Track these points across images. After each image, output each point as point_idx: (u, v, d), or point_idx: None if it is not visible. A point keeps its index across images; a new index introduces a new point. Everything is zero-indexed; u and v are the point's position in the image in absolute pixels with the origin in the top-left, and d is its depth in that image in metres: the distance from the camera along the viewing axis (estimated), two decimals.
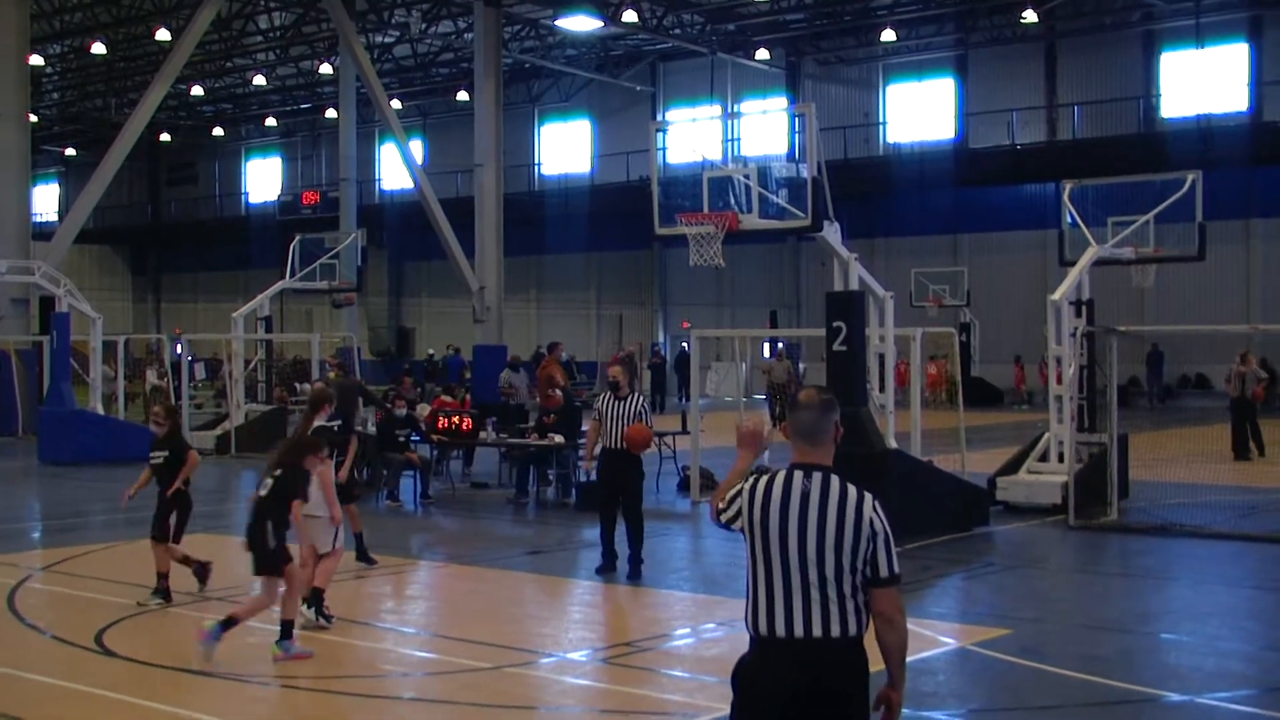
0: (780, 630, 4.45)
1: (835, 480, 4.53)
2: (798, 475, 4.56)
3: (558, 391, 18.94)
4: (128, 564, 13.50)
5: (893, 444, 15.09)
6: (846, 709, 4.45)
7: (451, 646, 9.79)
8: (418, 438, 18.70)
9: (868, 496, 4.52)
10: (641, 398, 12.69)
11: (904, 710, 7.95)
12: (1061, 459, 16.60)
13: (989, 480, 16.64)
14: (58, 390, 23.88)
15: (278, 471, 9.47)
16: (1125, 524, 15.24)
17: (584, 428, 18.97)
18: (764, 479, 4.62)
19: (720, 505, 4.74)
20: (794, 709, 4.40)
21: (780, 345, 34.73)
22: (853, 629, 4.45)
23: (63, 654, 9.58)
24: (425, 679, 9.11)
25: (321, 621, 10.03)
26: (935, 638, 9.83)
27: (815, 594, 4.43)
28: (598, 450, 12.83)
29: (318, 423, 10.41)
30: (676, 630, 10.44)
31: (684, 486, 18.46)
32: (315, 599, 10.07)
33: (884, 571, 4.48)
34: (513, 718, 8.12)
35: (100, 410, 24.84)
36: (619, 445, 12.31)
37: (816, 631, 4.41)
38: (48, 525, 17.09)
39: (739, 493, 4.65)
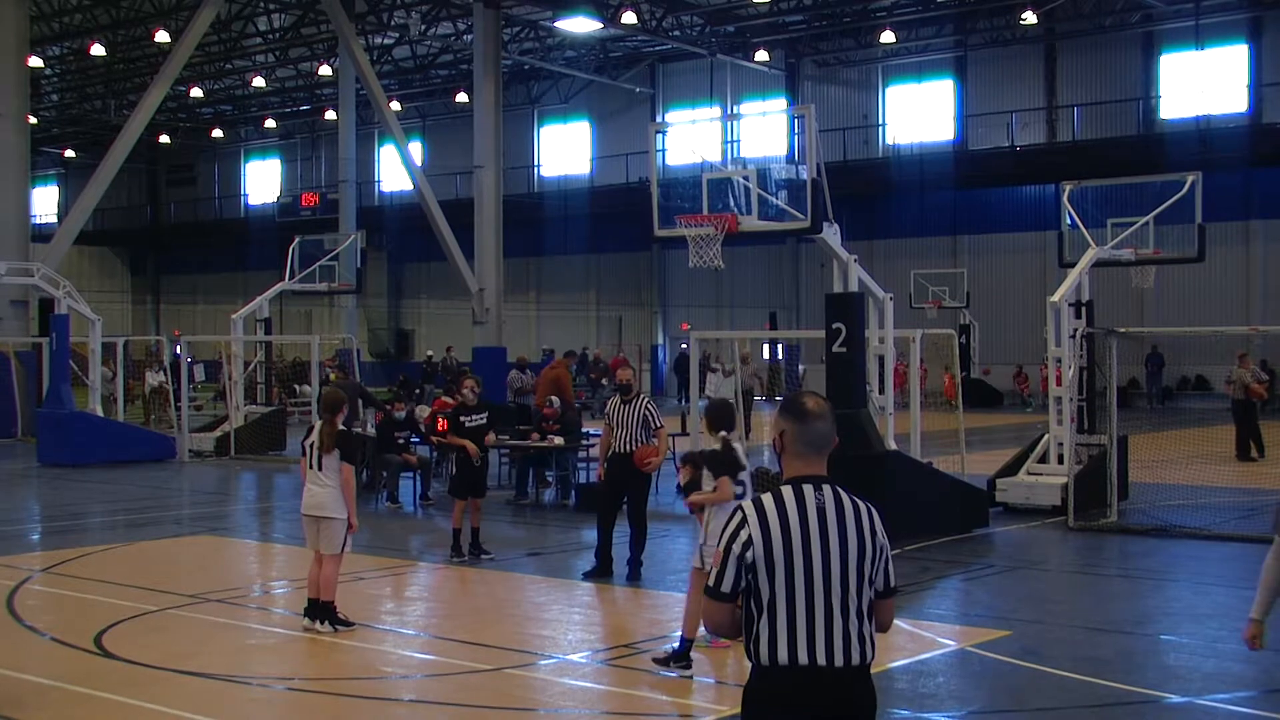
0: (803, 658, 4.20)
1: (843, 493, 4.34)
2: (808, 490, 4.29)
3: (555, 401, 18.87)
4: (127, 566, 13.51)
5: (892, 446, 15.09)
6: None
7: (451, 648, 9.79)
8: (416, 439, 18.71)
9: (873, 509, 4.38)
10: (646, 398, 12.66)
11: (904, 712, 7.99)
12: (1061, 460, 16.60)
13: (988, 482, 16.64)
14: (57, 392, 23.87)
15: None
16: (1125, 525, 15.24)
17: (587, 430, 19.02)
18: (768, 500, 4.29)
19: (710, 581, 4.30)
20: None
21: (747, 347, 33.59)
22: (870, 655, 4.30)
23: (62, 655, 9.57)
24: (425, 680, 9.11)
25: (340, 629, 10.07)
26: (935, 639, 9.82)
27: (839, 618, 4.23)
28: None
29: (339, 425, 10.37)
30: (676, 632, 10.40)
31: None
32: (325, 611, 10.08)
33: (892, 583, 4.40)
34: (512, 719, 8.12)
35: (99, 412, 24.82)
36: (626, 449, 12.27)
37: (839, 660, 4.22)
38: (47, 527, 17.08)
39: (741, 523, 4.26)
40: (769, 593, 4.22)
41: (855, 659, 4.23)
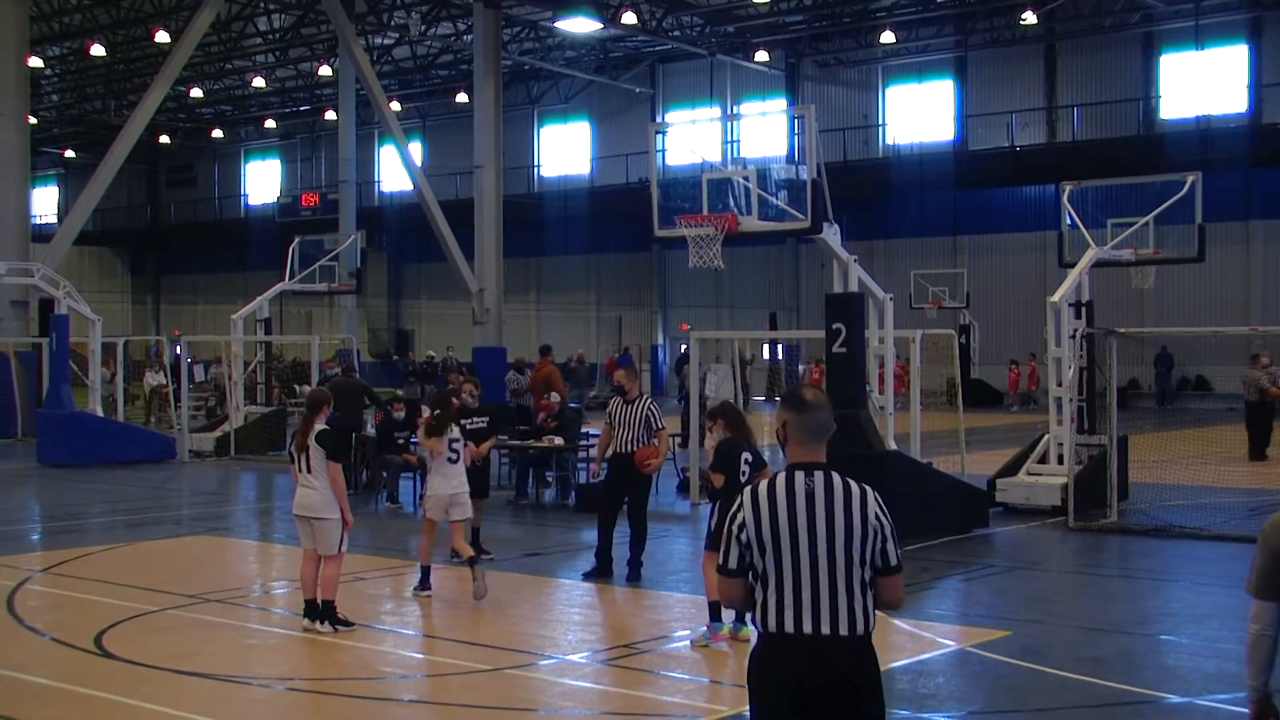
0: (789, 627, 4.48)
1: (835, 477, 4.58)
2: (799, 476, 4.58)
3: (554, 395, 18.93)
4: (127, 566, 13.51)
5: (892, 446, 15.09)
6: (860, 703, 4.48)
7: (450, 648, 9.79)
8: (416, 439, 18.67)
9: (869, 491, 4.58)
10: (648, 399, 12.65)
11: (904, 712, 7.99)
12: (1061, 461, 16.60)
13: (988, 482, 16.64)
14: (57, 392, 23.86)
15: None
16: (1125, 526, 15.23)
17: (586, 430, 19.02)
18: (763, 485, 4.61)
19: (719, 560, 4.68)
20: (809, 705, 4.43)
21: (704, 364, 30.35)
22: (861, 628, 4.50)
23: (62, 656, 9.57)
24: (424, 681, 9.12)
25: (340, 629, 10.07)
26: (935, 639, 9.83)
27: (827, 590, 4.47)
28: (608, 454, 12.80)
29: (319, 425, 10.41)
30: (676, 632, 10.42)
31: (684, 488, 18.44)
32: (326, 611, 10.09)
33: (892, 561, 4.59)
34: (512, 719, 8.12)
35: (99, 412, 24.81)
36: (627, 450, 12.26)
37: (825, 629, 4.46)
38: (47, 527, 17.08)
39: (739, 507, 4.63)
40: (763, 567, 4.56)
41: (844, 629, 4.48)
